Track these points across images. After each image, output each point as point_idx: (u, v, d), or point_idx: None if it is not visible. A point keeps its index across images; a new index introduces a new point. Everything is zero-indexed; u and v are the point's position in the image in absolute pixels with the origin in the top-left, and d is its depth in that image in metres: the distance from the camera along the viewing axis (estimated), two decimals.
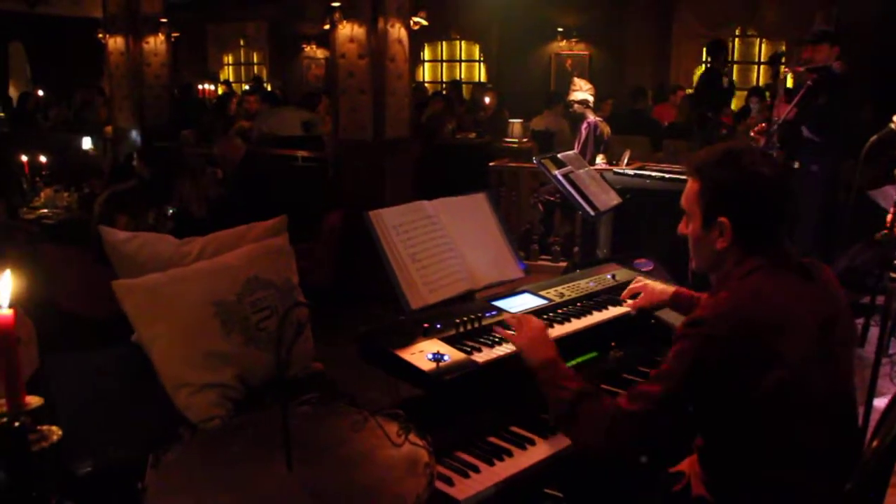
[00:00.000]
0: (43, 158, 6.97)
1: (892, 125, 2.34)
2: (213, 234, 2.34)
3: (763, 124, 5.08)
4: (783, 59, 8.26)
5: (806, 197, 5.46)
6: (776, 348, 1.72)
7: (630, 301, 2.65)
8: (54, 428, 1.18)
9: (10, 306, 1.12)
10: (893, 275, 2.48)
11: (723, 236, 1.87)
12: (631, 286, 2.68)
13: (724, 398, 1.77)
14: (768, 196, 1.85)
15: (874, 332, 3.99)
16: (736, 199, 1.86)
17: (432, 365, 2.06)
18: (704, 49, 12.38)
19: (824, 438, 1.81)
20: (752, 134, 5.50)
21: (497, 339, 2.28)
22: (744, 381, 1.73)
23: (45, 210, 6.29)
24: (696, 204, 1.93)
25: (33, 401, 1.14)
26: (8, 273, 1.15)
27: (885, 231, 2.57)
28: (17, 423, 1.06)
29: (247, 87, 13.70)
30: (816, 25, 5.31)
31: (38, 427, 1.16)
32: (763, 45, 12.01)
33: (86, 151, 9.50)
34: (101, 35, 10.22)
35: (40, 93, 13.30)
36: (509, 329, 2.18)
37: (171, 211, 5.36)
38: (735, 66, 12.42)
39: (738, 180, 1.85)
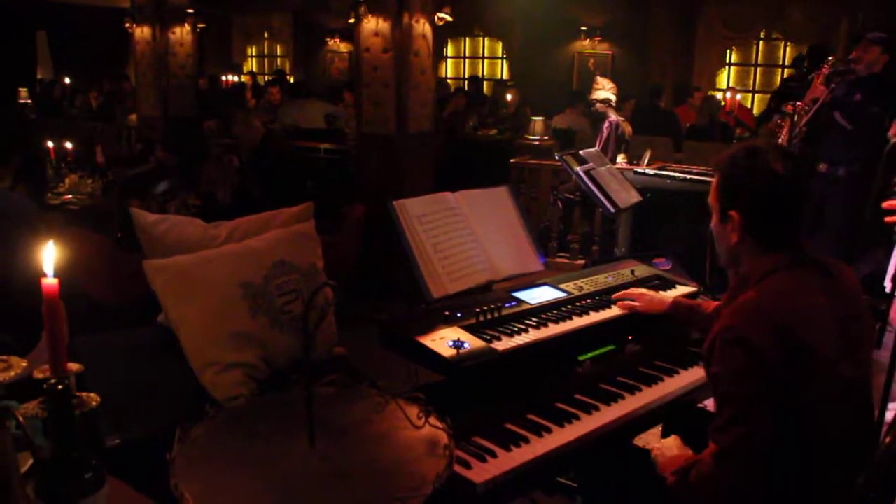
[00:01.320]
0: (69, 145, 7.06)
1: None
2: (241, 218, 2.39)
3: (790, 105, 5.05)
4: (806, 63, 8.22)
5: (832, 201, 5.44)
6: (809, 344, 1.75)
7: (627, 303, 2.61)
8: (92, 395, 1.23)
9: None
10: None
11: (734, 230, 1.92)
12: (627, 292, 2.66)
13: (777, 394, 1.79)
14: (778, 192, 1.87)
15: (890, 337, 3.99)
16: (744, 194, 1.91)
17: (453, 352, 2.10)
18: (728, 51, 12.36)
19: (841, 432, 1.83)
20: (775, 119, 5.44)
21: (516, 329, 2.32)
22: (789, 378, 1.76)
23: (70, 196, 6.38)
24: (715, 198, 1.99)
25: (74, 367, 1.19)
26: (51, 243, 1.20)
27: None
28: (60, 387, 1.11)
29: (269, 79, 13.79)
30: (872, 32, 5.30)
31: (78, 393, 1.21)
32: (788, 48, 11.95)
33: (110, 140, 9.62)
34: (127, 24, 10.33)
35: (67, 81, 13.45)
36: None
37: (192, 202, 5.43)
38: (758, 69, 12.38)
39: (747, 175, 1.89)
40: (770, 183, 1.86)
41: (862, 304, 1.95)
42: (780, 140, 5.11)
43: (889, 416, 2.29)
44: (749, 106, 11.90)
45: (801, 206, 1.93)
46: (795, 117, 4.98)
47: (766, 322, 1.77)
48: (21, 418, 1.24)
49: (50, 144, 6.81)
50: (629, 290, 2.67)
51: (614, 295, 2.67)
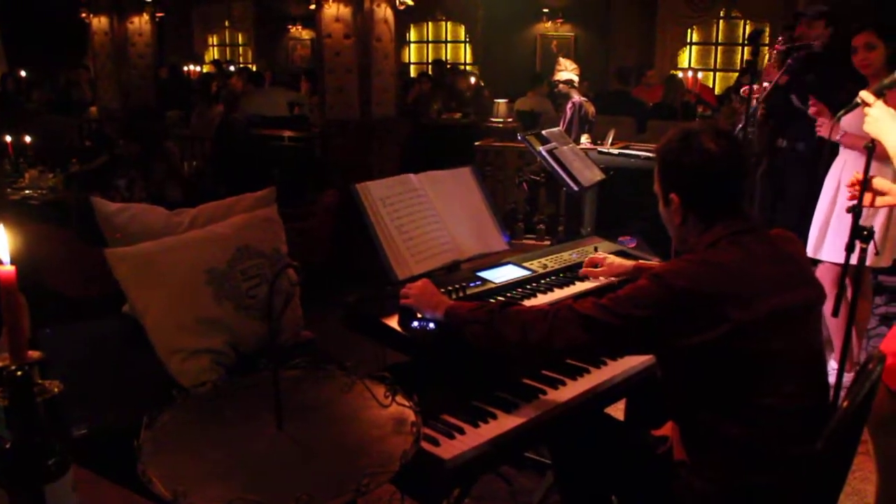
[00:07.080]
0: (27, 139, 6.94)
1: (858, 100, 2.39)
2: (204, 204, 2.38)
3: (745, 88, 5.07)
4: (766, 39, 8.29)
5: (791, 176, 5.50)
6: (726, 312, 1.78)
7: (592, 269, 2.69)
8: (55, 382, 1.22)
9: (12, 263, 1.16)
10: (861, 245, 2.54)
11: (677, 212, 1.97)
12: (590, 258, 2.73)
13: (669, 342, 1.85)
14: (712, 170, 1.91)
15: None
16: (681, 175, 1.96)
17: (417, 331, 2.11)
18: (689, 31, 12.47)
19: (791, 398, 1.86)
20: (733, 102, 5.45)
21: None
22: (688, 331, 1.80)
23: (29, 191, 6.27)
24: (658, 184, 2.04)
25: (34, 354, 1.18)
26: (1, 227, 1.19)
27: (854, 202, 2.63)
28: (20, 373, 1.10)
29: (232, 69, 13.64)
30: (812, 7, 5.32)
31: (39, 381, 1.21)
32: (747, 27, 12.07)
33: (70, 132, 9.47)
34: (84, 15, 10.15)
35: (23, 74, 13.18)
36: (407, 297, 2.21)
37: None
38: (719, 48, 12.50)
39: (682, 157, 1.93)
40: (704, 162, 1.90)
41: (808, 272, 2.01)
42: (739, 120, 5.15)
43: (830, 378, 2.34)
44: (711, 85, 12.02)
45: (737, 180, 1.97)
46: (754, 101, 5.00)
47: (691, 275, 1.82)
48: None
49: (8, 139, 6.69)
50: (591, 257, 2.72)
51: (581, 271, 2.70)
